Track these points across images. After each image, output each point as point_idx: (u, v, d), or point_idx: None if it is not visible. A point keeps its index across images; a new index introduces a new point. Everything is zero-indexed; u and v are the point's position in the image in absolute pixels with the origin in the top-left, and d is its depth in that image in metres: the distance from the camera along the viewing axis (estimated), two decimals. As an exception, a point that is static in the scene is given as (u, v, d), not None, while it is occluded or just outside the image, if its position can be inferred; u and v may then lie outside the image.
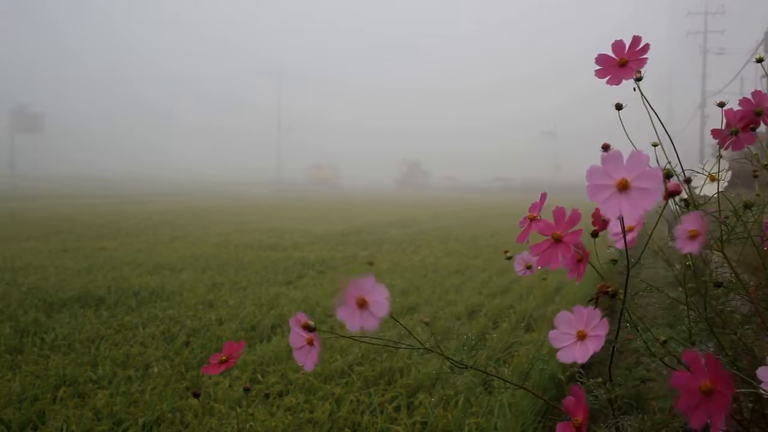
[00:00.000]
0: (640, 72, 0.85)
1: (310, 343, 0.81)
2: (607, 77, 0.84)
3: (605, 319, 0.75)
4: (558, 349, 0.77)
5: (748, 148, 1.06)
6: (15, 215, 12.46)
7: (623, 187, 0.64)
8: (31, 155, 60.99)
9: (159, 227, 9.81)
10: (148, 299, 4.09)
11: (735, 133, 0.97)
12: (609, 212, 0.65)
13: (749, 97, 0.98)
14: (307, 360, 0.82)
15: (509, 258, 1.03)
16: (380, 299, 0.73)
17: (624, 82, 0.86)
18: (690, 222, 0.73)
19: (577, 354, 0.75)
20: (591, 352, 0.75)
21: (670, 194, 0.73)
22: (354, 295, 0.73)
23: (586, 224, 0.94)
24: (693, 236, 0.73)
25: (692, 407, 0.57)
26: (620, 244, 0.86)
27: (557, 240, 0.80)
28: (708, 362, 0.58)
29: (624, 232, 0.83)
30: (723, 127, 0.99)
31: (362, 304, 0.73)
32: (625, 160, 0.66)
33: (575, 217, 0.80)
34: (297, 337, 0.82)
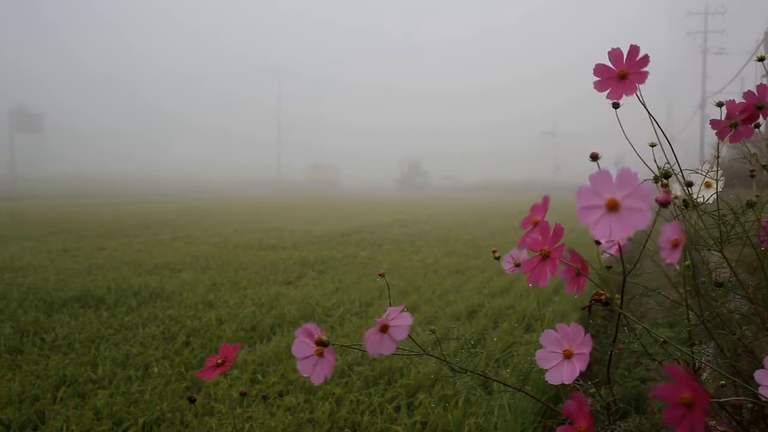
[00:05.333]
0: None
1: (320, 353, 0.78)
2: (607, 91, 0.81)
3: (588, 336, 0.76)
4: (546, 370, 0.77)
5: (747, 147, 1.06)
6: (15, 215, 12.46)
7: (613, 207, 0.62)
8: (31, 155, 60.97)
9: (159, 227, 9.81)
10: (148, 299, 4.09)
11: (734, 126, 0.96)
12: (599, 234, 0.63)
13: (753, 90, 0.97)
14: (314, 372, 0.77)
15: (498, 258, 1.03)
16: (402, 324, 0.74)
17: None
18: (670, 231, 0.73)
19: (565, 375, 0.76)
20: (578, 372, 0.75)
21: (662, 205, 0.72)
22: (382, 321, 0.74)
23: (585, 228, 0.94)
24: (675, 245, 0.73)
25: (677, 420, 0.58)
26: (613, 250, 0.86)
27: (545, 256, 0.79)
28: (684, 374, 0.58)
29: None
30: (723, 119, 0.99)
31: (384, 329, 0.74)
32: (614, 178, 0.64)
33: (559, 231, 0.79)
34: (302, 346, 0.78)
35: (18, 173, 48.16)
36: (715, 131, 0.98)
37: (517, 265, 0.99)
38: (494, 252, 1.03)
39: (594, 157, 0.81)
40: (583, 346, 0.76)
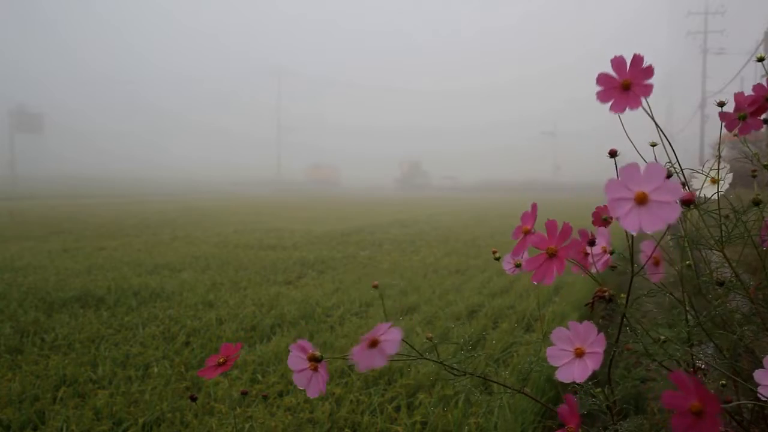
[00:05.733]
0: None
1: (314, 367, 0.78)
2: (610, 102, 0.79)
3: (601, 335, 0.75)
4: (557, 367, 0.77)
5: (748, 148, 1.06)
6: (15, 215, 12.46)
7: (642, 200, 0.63)
8: (31, 155, 60.98)
9: (159, 227, 9.81)
10: (148, 299, 4.09)
11: (743, 118, 0.96)
12: (629, 226, 0.63)
13: (764, 83, 0.97)
14: (310, 385, 0.78)
15: (498, 258, 1.03)
16: (392, 339, 0.73)
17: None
18: (648, 249, 0.73)
19: (576, 373, 0.75)
20: (590, 371, 0.74)
21: (684, 203, 0.71)
22: (369, 338, 0.73)
23: (586, 223, 0.94)
24: (656, 263, 0.73)
25: (685, 429, 0.58)
26: (603, 261, 0.85)
27: (552, 255, 0.78)
28: (693, 383, 0.58)
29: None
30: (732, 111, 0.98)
31: (374, 344, 0.73)
32: (642, 172, 0.64)
33: (567, 230, 0.78)
34: (297, 360, 0.78)
35: (18, 173, 48.16)
36: (724, 123, 0.98)
37: (518, 266, 0.99)
38: (494, 252, 1.03)
39: (612, 154, 0.80)
40: (596, 345, 0.75)
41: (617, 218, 0.64)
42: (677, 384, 0.58)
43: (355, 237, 8.39)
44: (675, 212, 0.61)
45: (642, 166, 0.63)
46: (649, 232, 0.63)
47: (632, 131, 0.97)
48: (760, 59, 1.00)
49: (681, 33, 39.51)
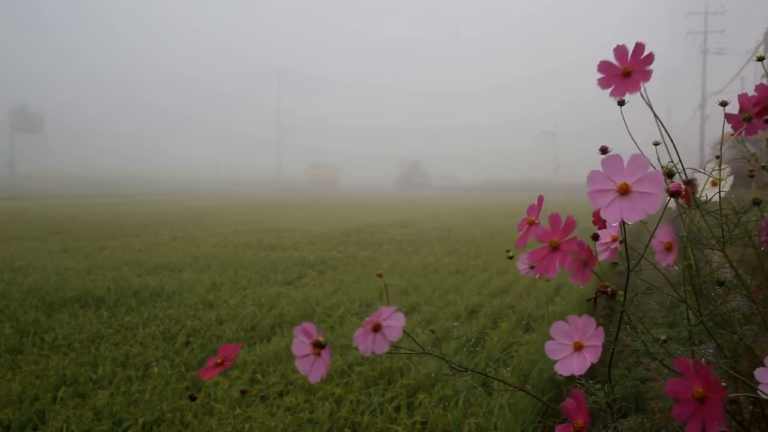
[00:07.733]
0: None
1: (317, 353, 0.79)
2: (611, 88, 0.80)
3: (600, 329, 0.75)
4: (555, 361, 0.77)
5: (746, 148, 1.06)
6: (15, 215, 12.45)
7: (624, 191, 0.63)
8: (31, 155, 60.93)
9: (159, 227, 9.80)
10: (148, 299, 4.09)
11: (748, 119, 0.96)
12: (610, 217, 0.64)
13: (765, 83, 0.97)
14: (312, 370, 0.79)
15: (511, 257, 1.03)
16: (395, 324, 0.74)
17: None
18: (663, 235, 0.73)
19: (575, 366, 0.75)
20: (589, 363, 0.75)
21: (672, 194, 0.72)
22: (372, 321, 0.74)
23: (587, 223, 0.94)
24: (668, 248, 0.73)
25: (688, 415, 0.58)
26: (604, 256, 0.85)
27: (555, 247, 0.79)
28: (698, 369, 0.58)
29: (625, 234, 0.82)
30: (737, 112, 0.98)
31: (377, 329, 0.74)
32: (625, 164, 0.65)
33: (570, 224, 0.79)
34: (301, 345, 0.80)
35: (18, 173, 48.17)
36: (731, 125, 0.98)
37: (532, 267, 0.99)
38: (507, 252, 1.03)
39: (604, 150, 0.81)
40: (594, 338, 0.75)
41: (598, 209, 0.65)
42: (681, 369, 0.58)
43: (355, 237, 8.39)
44: (657, 203, 0.62)
45: (625, 158, 0.64)
46: (629, 223, 0.64)
47: (632, 131, 0.97)
48: (760, 59, 1.00)
49: (681, 33, 39.54)
